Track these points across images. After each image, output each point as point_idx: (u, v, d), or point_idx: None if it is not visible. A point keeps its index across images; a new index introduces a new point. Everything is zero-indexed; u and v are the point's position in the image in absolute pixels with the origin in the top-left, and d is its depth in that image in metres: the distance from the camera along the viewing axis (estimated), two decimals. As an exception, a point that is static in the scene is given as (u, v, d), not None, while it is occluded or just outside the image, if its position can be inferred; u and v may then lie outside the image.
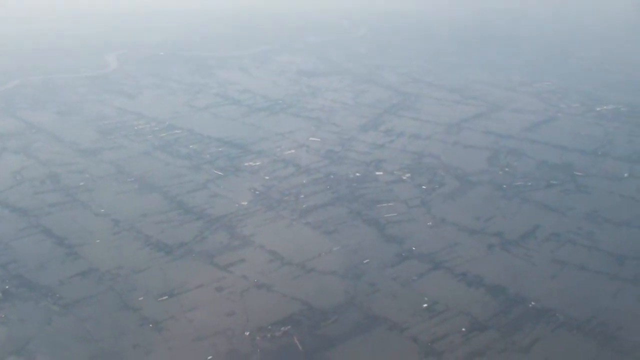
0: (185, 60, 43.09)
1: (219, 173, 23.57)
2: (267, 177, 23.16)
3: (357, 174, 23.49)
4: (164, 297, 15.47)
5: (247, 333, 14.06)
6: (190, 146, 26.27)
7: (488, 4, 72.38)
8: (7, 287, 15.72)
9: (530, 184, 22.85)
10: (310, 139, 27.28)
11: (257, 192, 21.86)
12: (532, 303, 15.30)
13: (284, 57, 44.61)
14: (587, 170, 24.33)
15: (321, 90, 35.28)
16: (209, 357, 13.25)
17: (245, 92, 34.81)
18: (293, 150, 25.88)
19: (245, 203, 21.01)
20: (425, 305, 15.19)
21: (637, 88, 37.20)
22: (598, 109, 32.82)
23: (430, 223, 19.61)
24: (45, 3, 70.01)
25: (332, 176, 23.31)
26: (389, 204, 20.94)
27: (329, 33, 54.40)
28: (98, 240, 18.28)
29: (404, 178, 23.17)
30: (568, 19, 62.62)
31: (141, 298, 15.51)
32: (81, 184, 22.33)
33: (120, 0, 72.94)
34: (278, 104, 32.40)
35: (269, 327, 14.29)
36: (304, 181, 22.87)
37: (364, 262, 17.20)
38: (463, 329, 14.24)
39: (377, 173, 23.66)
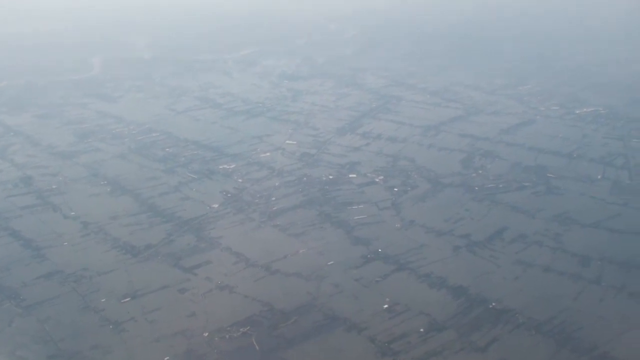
0: (171, 62, 43.14)
1: (193, 176, 23.62)
2: (240, 180, 23.23)
3: (330, 177, 23.56)
4: (127, 299, 15.50)
5: (206, 334, 14.11)
6: (167, 149, 26.33)
7: (479, 4, 72.66)
8: (-32, 289, 15.81)
9: (501, 186, 22.92)
10: (287, 142, 27.37)
11: (228, 195, 21.93)
12: (493, 304, 15.37)
13: (269, 60, 44.67)
14: (560, 172, 24.40)
15: (302, 93, 35.36)
16: (166, 358, 13.29)
17: (226, 95, 34.88)
18: (268, 153, 25.95)
19: (216, 205, 21.07)
20: (385, 306, 15.24)
21: (619, 90, 37.30)
22: (577, 111, 32.91)
23: (399, 225, 19.67)
24: (34, 3, 70.08)
25: (305, 179, 23.38)
26: (360, 206, 21.00)
27: (316, 35, 54.48)
28: (66, 243, 18.32)
29: (377, 180, 23.24)
30: (558, 19, 62.81)
31: (104, 300, 15.56)
32: (54, 187, 22.39)
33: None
34: (257, 108, 32.47)
35: (228, 327, 14.33)
36: (277, 184, 22.93)
37: (329, 263, 17.25)
38: (421, 329, 14.30)
39: (351, 175, 23.74)
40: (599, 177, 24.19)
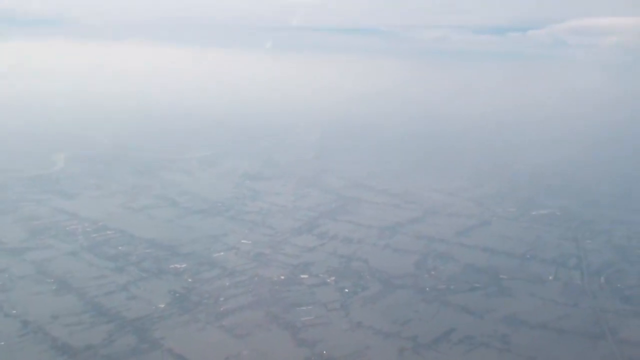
0: (132, 160, 43.63)
1: (142, 275, 23.33)
2: (190, 280, 23.06)
3: (282, 277, 23.52)
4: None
5: None
6: (119, 247, 26.16)
7: (446, 110, 74.94)
8: None
9: (453, 287, 23.05)
10: (242, 241, 27.37)
11: (177, 295, 21.69)
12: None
13: (232, 160, 45.44)
14: (512, 273, 24.69)
15: (262, 193, 35.73)
16: None
17: (186, 194, 35.10)
18: (222, 253, 25.94)
19: (163, 305, 20.80)
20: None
21: (575, 192, 38.34)
22: (533, 212, 33.64)
23: (346, 327, 19.51)
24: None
25: (256, 279, 23.30)
26: (308, 307, 20.96)
27: (282, 136, 55.73)
28: (2, 343, 17.78)
29: (328, 281, 23.26)
30: (515, 125, 64.80)
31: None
32: (-2, 284, 21.89)
33: (81, 95, 74.08)
34: (216, 207, 32.67)
35: None
36: (227, 284, 22.82)
37: (270, 366, 16.88)
38: None
39: (302, 276, 23.74)
40: (551, 277, 24.48)
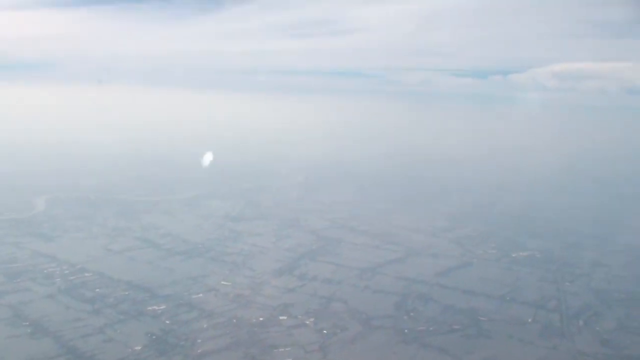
0: (115, 203, 43.33)
1: (120, 317, 23.09)
2: (167, 322, 22.83)
3: (261, 319, 23.37)
4: None
5: None
6: (97, 290, 25.88)
7: (427, 151, 75.74)
8: None
9: (432, 328, 23.00)
10: (222, 282, 27.24)
11: (154, 337, 21.46)
12: None
13: (214, 201, 45.29)
14: (492, 315, 24.70)
15: (243, 234, 35.65)
16: None
17: (167, 235, 34.88)
18: (201, 294, 25.75)
19: (139, 348, 20.56)
20: None
21: (555, 234, 38.60)
22: (513, 254, 33.81)
23: (324, 369, 19.36)
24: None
25: (234, 320, 23.12)
26: (286, 349, 20.79)
27: (265, 178, 55.93)
28: (-27, 389, 17.38)
29: (308, 322, 23.13)
30: (498, 167, 65.46)
31: None
32: (-29, 329, 21.55)
33: (60, 137, 73.80)
34: (197, 248, 32.52)
35: None
36: (205, 325, 22.62)
37: (246, 410, 16.67)
38: None
39: (282, 317, 23.62)
40: (530, 320, 24.50)
